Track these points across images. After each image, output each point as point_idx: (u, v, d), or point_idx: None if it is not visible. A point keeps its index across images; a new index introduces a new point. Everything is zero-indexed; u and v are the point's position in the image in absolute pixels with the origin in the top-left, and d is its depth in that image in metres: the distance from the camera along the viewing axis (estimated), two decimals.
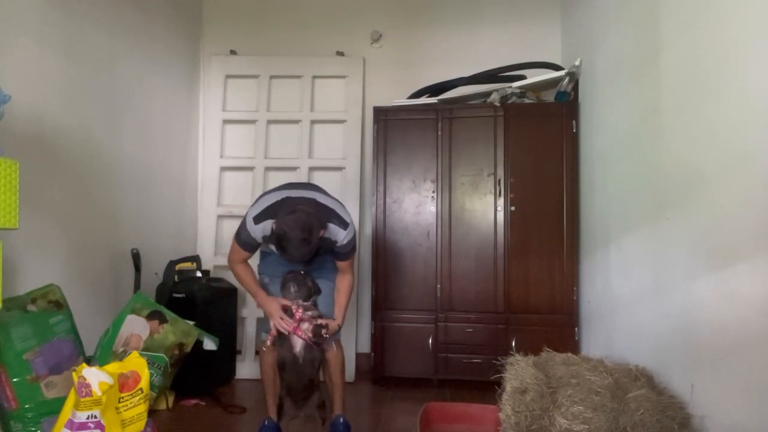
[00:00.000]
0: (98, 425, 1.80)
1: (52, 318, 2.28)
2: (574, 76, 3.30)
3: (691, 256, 1.93)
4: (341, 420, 2.40)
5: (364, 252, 3.69)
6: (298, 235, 2.05)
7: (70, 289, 2.46)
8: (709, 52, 1.83)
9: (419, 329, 3.31)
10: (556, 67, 3.46)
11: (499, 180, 3.28)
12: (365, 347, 3.64)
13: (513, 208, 3.26)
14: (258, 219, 2.22)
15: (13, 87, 2.09)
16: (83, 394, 1.76)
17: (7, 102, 1.92)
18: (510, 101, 3.37)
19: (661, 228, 2.16)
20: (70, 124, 2.66)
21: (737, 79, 1.67)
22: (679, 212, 2.02)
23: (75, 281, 2.66)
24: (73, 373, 1.79)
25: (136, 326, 2.63)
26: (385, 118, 3.44)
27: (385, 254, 3.38)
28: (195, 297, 3.07)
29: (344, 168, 3.81)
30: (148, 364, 2.05)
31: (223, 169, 3.92)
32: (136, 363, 2.00)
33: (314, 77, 3.93)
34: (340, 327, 2.34)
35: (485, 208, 3.30)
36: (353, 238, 2.32)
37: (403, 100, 3.55)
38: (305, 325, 2.21)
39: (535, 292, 3.22)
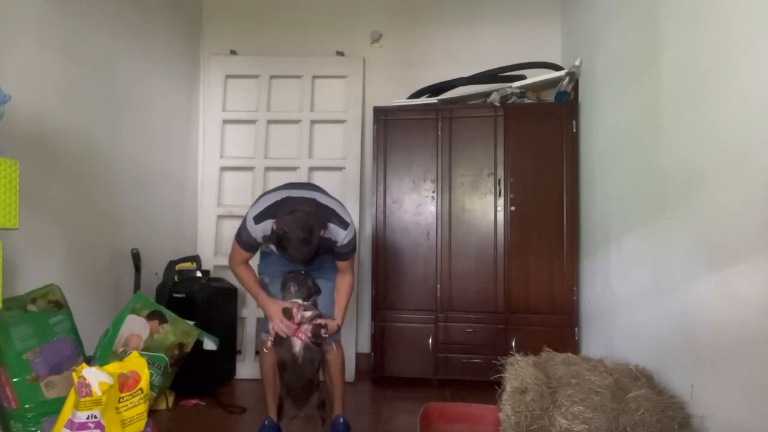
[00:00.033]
0: (98, 425, 1.80)
1: (52, 318, 2.28)
2: (574, 76, 3.30)
3: (691, 256, 1.93)
4: (341, 420, 2.40)
5: (364, 252, 3.69)
6: (298, 234, 2.05)
7: (70, 289, 2.46)
8: (709, 52, 1.83)
9: (419, 329, 3.31)
10: (556, 67, 3.46)
11: (499, 180, 3.28)
12: (365, 347, 3.64)
13: (513, 208, 3.26)
14: (258, 219, 2.22)
15: (13, 87, 2.09)
16: (83, 394, 1.76)
17: (7, 102, 1.92)
18: (510, 101, 3.37)
19: (661, 228, 2.16)
20: (70, 124, 2.66)
21: (737, 79, 1.67)
22: (679, 212, 2.01)
23: (75, 281, 2.67)
24: (73, 373, 1.79)
25: (136, 326, 2.63)
26: (385, 118, 3.44)
27: (385, 254, 3.38)
28: (195, 297, 3.07)
29: (344, 168, 3.82)
30: (148, 364, 2.05)
31: (223, 169, 3.92)
32: (136, 363, 2.00)
33: (314, 77, 3.93)
34: (339, 327, 2.34)
35: (485, 208, 3.30)
36: (353, 238, 2.32)
37: (403, 100, 3.55)
38: (305, 327, 2.21)
39: (535, 292, 3.22)
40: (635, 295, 2.43)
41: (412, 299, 3.34)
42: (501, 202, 3.27)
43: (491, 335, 3.24)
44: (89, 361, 2.37)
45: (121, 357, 2.41)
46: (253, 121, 3.93)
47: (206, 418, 2.76)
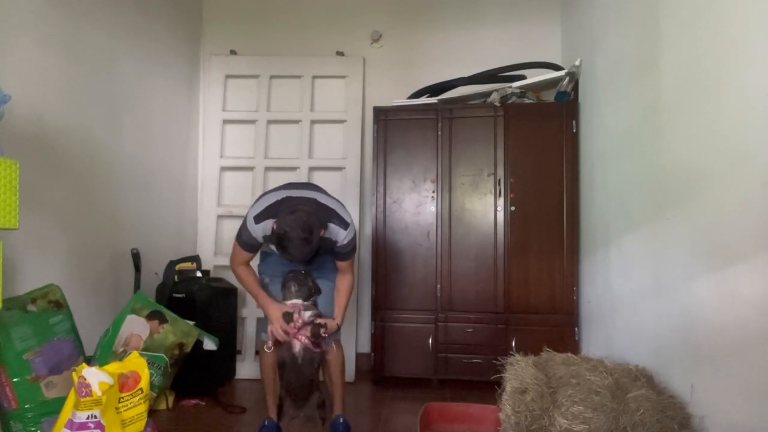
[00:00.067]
0: (98, 425, 1.80)
1: (52, 318, 2.28)
2: (574, 76, 3.30)
3: (691, 256, 1.93)
4: (341, 420, 2.40)
5: (364, 252, 3.69)
6: (298, 234, 2.05)
7: (70, 289, 2.46)
8: (709, 52, 1.83)
9: (419, 329, 3.31)
10: (556, 67, 3.46)
11: (499, 180, 3.28)
12: (365, 347, 3.64)
13: (513, 208, 3.26)
14: (258, 218, 2.22)
15: (13, 87, 2.09)
16: (83, 394, 1.76)
17: (7, 102, 1.92)
18: (510, 101, 3.37)
19: (661, 228, 2.16)
20: (70, 124, 2.66)
21: (737, 79, 1.67)
22: (679, 212, 2.01)
23: (75, 281, 2.67)
24: (73, 373, 1.79)
25: (136, 326, 2.63)
26: (385, 118, 3.44)
27: (385, 254, 3.38)
28: (195, 297, 3.07)
29: (344, 168, 3.82)
30: (148, 364, 2.05)
31: (223, 169, 3.92)
32: (136, 363, 2.00)
33: (314, 77, 3.93)
34: (339, 327, 2.34)
35: (485, 208, 3.30)
36: (353, 238, 2.32)
37: (403, 100, 3.55)
38: (305, 331, 2.21)
39: (535, 292, 3.22)
40: (635, 295, 2.43)
41: (412, 299, 3.34)
42: (501, 202, 3.27)
43: (491, 335, 3.24)
44: (89, 361, 2.37)
45: (121, 357, 2.41)
46: (253, 121, 3.93)
47: (206, 418, 2.76)
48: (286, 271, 2.32)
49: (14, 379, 2.10)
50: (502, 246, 3.26)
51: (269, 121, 3.93)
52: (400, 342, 3.32)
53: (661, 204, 2.16)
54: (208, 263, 3.66)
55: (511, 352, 2.51)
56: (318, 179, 3.73)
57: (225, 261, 3.63)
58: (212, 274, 3.57)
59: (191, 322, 2.82)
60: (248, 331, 3.62)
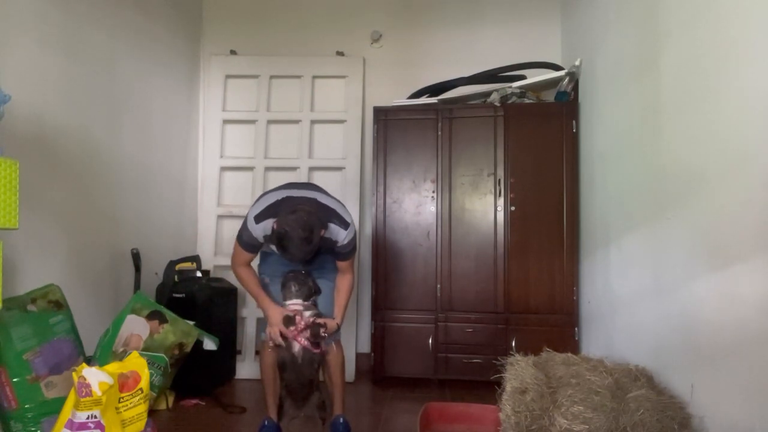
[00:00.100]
0: (98, 425, 1.80)
1: (52, 318, 2.28)
2: (574, 76, 3.30)
3: (691, 256, 1.93)
4: (341, 420, 2.40)
5: (364, 252, 3.69)
6: (299, 234, 2.05)
7: (70, 289, 2.46)
8: (709, 52, 1.83)
9: (419, 329, 3.31)
10: (556, 67, 3.46)
11: (499, 180, 3.28)
12: (365, 347, 3.64)
13: (513, 208, 3.26)
14: (259, 218, 2.22)
15: (13, 87, 2.09)
16: (83, 394, 1.76)
17: (7, 102, 1.92)
18: (510, 101, 3.37)
19: (661, 228, 2.16)
20: (70, 124, 2.66)
21: (737, 79, 1.67)
22: (679, 212, 2.02)
23: (75, 281, 2.67)
24: (73, 373, 1.79)
25: (136, 326, 2.63)
26: (385, 118, 3.44)
27: (385, 254, 3.38)
28: (195, 297, 3.07)
29: (344, 168, 3.82)
30: (148, 364, 2.05)
31: (223, 169, 3.92)
32: (136, 363, 2.00)
33: (314, 77, 3.93)
34: (339, 326, 2.34)
35: (485, 208, 3.30)
36: (354, 238, 2.32)
37: (403, 100, 3.55)
38: (305, 333, 2.21)
39: (535, 292, 3.22)
40: (635, 295, 2.43)
41: (412, 299, 3.34)
42: (501, 202, 3.27)
43: (491, 335, 3.24)
44: (89, 361, 2.37)
45: (121, 357, 2.41)
46: (253, 121, 3.93)
47: (206, 418, 2.76)
48: (287, 271, 2.32)
49: (14, 379, 2.10)
50: (502, 246, 3.26)
51: (269, 121, 3.93)
52: (400, 342, 3.32)
53: (661, 204, 2.16)
54: (208, 263, 3.66)
55: (511, 352, 2.51)
56: (318, 179, 3.73)
57: (225, 261, 3.65)
58: (212, 274, 3.57)
59: (191, 322, 2.82)
60: (248, 331, 3.62)
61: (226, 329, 3.30)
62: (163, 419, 2.68)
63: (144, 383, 1.97)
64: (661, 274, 2.17)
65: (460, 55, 3.81)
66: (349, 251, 2.34)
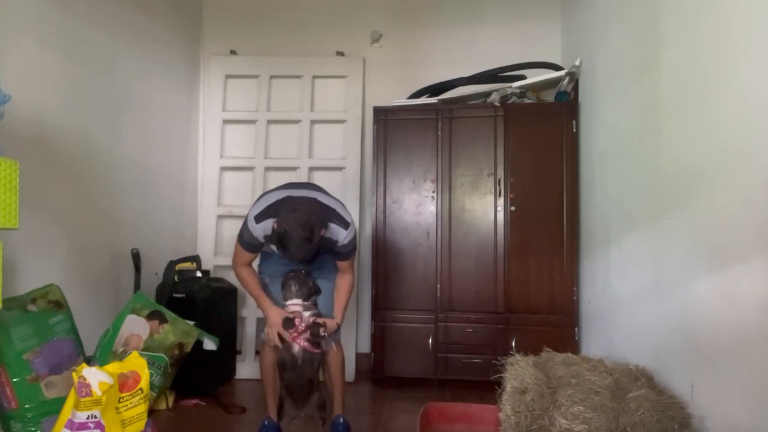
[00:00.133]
0: (98, 425, 1.80)
1: (52, 318, 2.28)
2: (574, 76, 3.30)
3: (691, 256, 1.93)
4: (341, 420, 2.40)
5: (364, 252, 3.69)
6: (299, 233, 2.05)
7: (70, 289, 2.46)
8: (709, 52, 1.83)
9: (419, 329, 3.31)
10: (556, 67, 3.46)
11: (499, 180, 3.28)
12: (365, 347, 3.64)
13: (513, 208, 3.26)
14: (259, 218, 2.22)
15: (13, 87, 2.09)
16: (83, 394, 1.76)
17: (7, 102, 1.92)
18: (510, 101, 3.37)
19: (661, 228, 2.16)
20: (70, 124, 2.66)
21: (737, 79, 1.67)
22: (679, 212, 2.02)
23: (75, 281, 2.67)
24: (73, 373, 1.79)
25: (136, 326, 2.63)
26: (385, 118, 3.44)
27: (385, 254, 3.38)
28: (195, 297, 3.07)
29: (344, 168, 3.82)
30: (148, 364, 2.05)
31: (223, 169, 3.92)
32: (136, 363, 2.00)
33: (314, 77, 3.93)
34: (339, 326, 2.34)
35: (485, 208, 3.30)
36: (354, 238, 2.32)
37: (403, 100, 3.55)
38: (305, 335, 2.21)
39: (535, 292, 3.22)
40: (635, 295, 2.43)
41: (412, 299, 3.34)
42: (501, 202, 3.27)
43: (491, 335, 3.24)
44: (89, 361, 2.37)
45: (121, 357, 2.41)
46: (253, 121, 3.93)
47: (206, 418, 2.76)
48: (287, 270, 2.32)
49: (14, 379, 2.10)
50: (502, 246, 3.26)
51: (269, 121, 3.93)
52: (400, 342, 3.32)
53: (661, 204, 2.16)
54: (208, 263, 3.66)
55: (511, 352, 2.52)
56: (318, 179, 3.73)
57: (225, 261, 3.65)
58: (212, 274, 3.57)
59: (191, 322, 2.82)
60: (248, 331, 3.62)
61: (226, 329, 3.30)
62: (163, 419, 2.68)
63: (144, 383, 1.97)
64: (661, 274, 2.17)
65: (460, 55, 3.81)
66: (349, 251, 2.34)
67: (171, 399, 2.87)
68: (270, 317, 2.27)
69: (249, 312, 3.63)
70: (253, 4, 4.06)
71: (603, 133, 2.90)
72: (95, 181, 2.87)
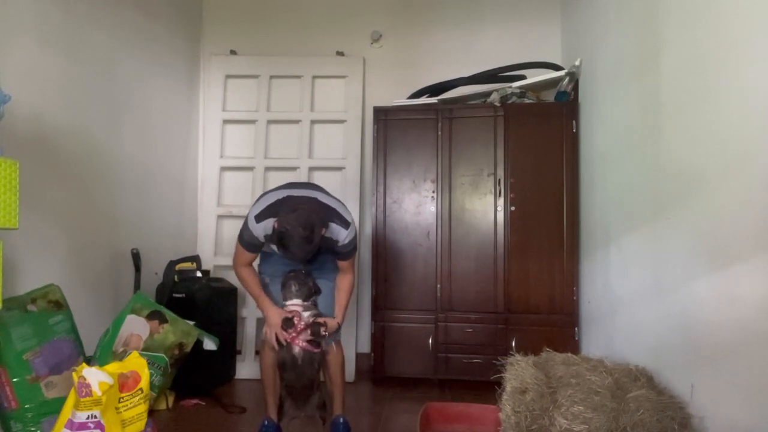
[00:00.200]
0: (98, 425, 1.80)
1: (52, 318, 2.28)
2: (574, 76, 3.30)
3: (691, 256, 1.93)
4: (341, 420, 2.40)
5: (364, 252, 3.69)
6: (300, 233, 2.05)
7: (70, 289, 2.46)
8: (709, 52, 1.83)
9: (419, 329, 3.31)
10: (556, 67, 3.46)
11: (499, 180, 3.28)
12: (365, 347, 3.64)
13: (513, 208, 3.26)
14: (260, 218, 2.22)
15: (13, 87, 2.09)
16: (83, 394, 1.76)
17: (7, 102, 1.92)
18: (510, 101, 3.37)
19: (661, 228, 2.16)
20: (70, 124, 2.66)
21: (737, 79, 1.67)
22: (679, 212, 2.02)
23: (75, 281, 2.67)
24: (73, 373, 1.79)
25: (136, 326, 2.63)
26: (385, 118, 3.44)
27: (385, 254, 3.38)
28: (195, 297, 3.07)
29: (344, 168, 3.81)
30: (148, 364, 2.05)
31: (223, 169, 3.92)
32: (136, 363, 2.00)
33: (314, 77, 3.93)
34: (340, 326, 2.34)
35: (485, 208, 3.30)
36: (354, 238, 2.32)
37: (403, 100, 3.55)
38: (304, 335, 2.21)
39: (535, 292, 3.22)
40: (635, 295, 2.43)
41: (412, 299, 3.34)
42: (501, 202, 3.27)
43: (491, 335, 3.24)
44: (89, 361, 2.37)
45: (121, 357, 2.41)
46: (253, 121, 3.93)
47: (206, 418, 2.76)
48: (287, 270, 2.32)
49: (14, 379, 2.10)
50: (502, 246, 3.26)
51: (269, 121, 3.93)
52: (400, 342, 3.32)
53: (661, 204, 2.16)
54: (208, 263, 3.66)
55: (511, 352, 2.52)
56: (318, 179, 3.73)
57: (225, 261, 3.65)
58: (212, 274, 3.57)
59: (191, 322, 2.82)
60: (248, 331, 3.62)
61: (226, 329, 3.30)
62: (163, 419, 2.68)
63: (144, 383, 1.97)
64: (661, 274, 2.17)
65: (460, 55, 3.81)
66: (349, 251, 2.34)
67: (171, 399, 2.87)
68: (269, 317, 2.27)
69: (249, 312, 3.63)
70: (253, 4, 4.06)
71: (603, 133, 2.90)
72: (95, 181, 2.87)
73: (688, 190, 1.95)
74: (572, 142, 3.23)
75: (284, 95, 3.95)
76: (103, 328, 2.65)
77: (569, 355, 2.31)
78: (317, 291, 2.33)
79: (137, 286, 3.00)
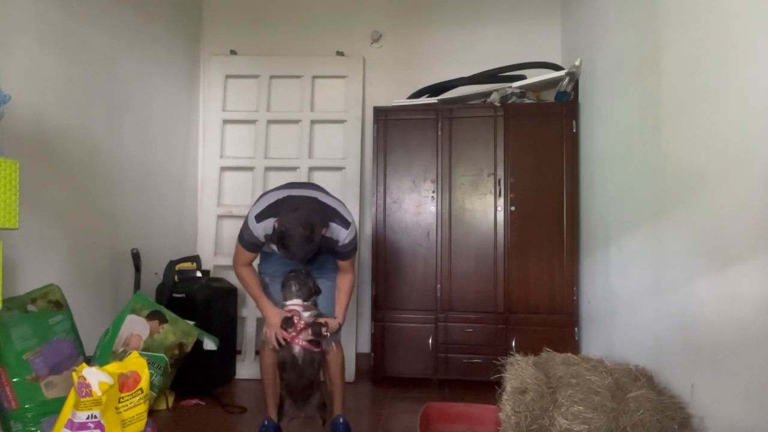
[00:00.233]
0: (98, 425, 1.80)
1: (52, 318, 2.28)
2: (574, 76, 3.30)
3: (691, 256, 1.93)
4: (341, 420, 2.40)
5: (365, 252, 3.69)
6: (300, 232, 2.05)
7: (70, 289, 2.46)
8: (709, 52, 1.83)
9: (419, 329, 3.31)
10: (556, 67, 3.46)
11: (499, 180, 3.28)
12: (365, 347, 3.64)
13: (513, 208, 3.26)
14: (260, 217, 2.22)
15: (13, 87, 2.09)
16: (83, 394, 1.76)
17: (7, 102, 1.92)
18: (510, 101, 3.37)
19: (661, 228, 2.16)
20: (70, 124, 2.66)
21: (737, 79, 1.67)
22: (679, 212, 2.02)
23: (75, 281, 2.67)
24: (73, 373, 1.79)
25: (136, 326, 2.63)
26: (385, 118, 3.44)
27: (385, 254, 3.38)
28: (195, 297, 3.07)
29: (344, 168, 3.82)
30: (148, 364, 2.05)
31: (223, 169, 3.92)
32: (136, 363, 2.00)
33: (314, 77, 3.93)
34: (340, 326, 2.34)
35: (485, 208, 3.30)
36: (354, 238, 2.32)
37: (403, 100, 3.55)
38: (304, 335, 2.21)
39: (535, 292, 3.22)
40: (635, 295, 2.43)
41: (412, 299, 3.34)
42: (501, 202, 3.27)
43: (491, 335, 3.24)
44: (89, 361, 2.37)
45: (121, 357, 2.42)
46: (253, 121, 3.93)
47: (206, 418, 2.76)
48: (287, 270, 2.32)
49: (14, 379, 2.10)
50: (502, 246, 3.26)
51: (269, 121, 3.93)
52: (400, 342, 3.32)
53: (661, 204, 2.16)
54: (208, 263, 3.66)
55: (511, 352, 2.52)
56: (318, 179, 3.73)
57: (225, 261, 3.65)
58: (212, 274, 3.57)
59: (191, 322, 2.82)
60: (248, 331, 3.62)
61: (226, 329, 3.30)
62: (163, 419, 2.68)
63: (144, 383, 1.97)
64: (661, 274, 2.17)
65: (460, 55, 3.81)
66: (350, 250, 2.34)
67: (171, 399, 2.87)
68: (269, 318, 2.27)
69: (249, 312, 3.63)
70: (253, 4, 4.06)
71: (603, 133, 2.90)
72: (95, 181, 2.87)
73: (688, 190, 1.95)
74: (572, 142, 3.23)
75: (284, 95, 3.95)
76: (103, 328, 2.65)
77: (569, 355, 2.31)
78: (317, 291, 2.33)
79: (137, 286, 3.00)
